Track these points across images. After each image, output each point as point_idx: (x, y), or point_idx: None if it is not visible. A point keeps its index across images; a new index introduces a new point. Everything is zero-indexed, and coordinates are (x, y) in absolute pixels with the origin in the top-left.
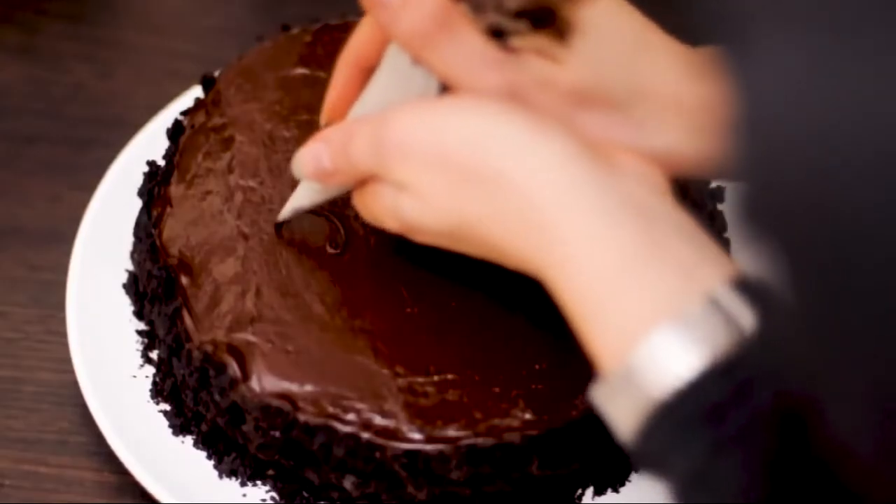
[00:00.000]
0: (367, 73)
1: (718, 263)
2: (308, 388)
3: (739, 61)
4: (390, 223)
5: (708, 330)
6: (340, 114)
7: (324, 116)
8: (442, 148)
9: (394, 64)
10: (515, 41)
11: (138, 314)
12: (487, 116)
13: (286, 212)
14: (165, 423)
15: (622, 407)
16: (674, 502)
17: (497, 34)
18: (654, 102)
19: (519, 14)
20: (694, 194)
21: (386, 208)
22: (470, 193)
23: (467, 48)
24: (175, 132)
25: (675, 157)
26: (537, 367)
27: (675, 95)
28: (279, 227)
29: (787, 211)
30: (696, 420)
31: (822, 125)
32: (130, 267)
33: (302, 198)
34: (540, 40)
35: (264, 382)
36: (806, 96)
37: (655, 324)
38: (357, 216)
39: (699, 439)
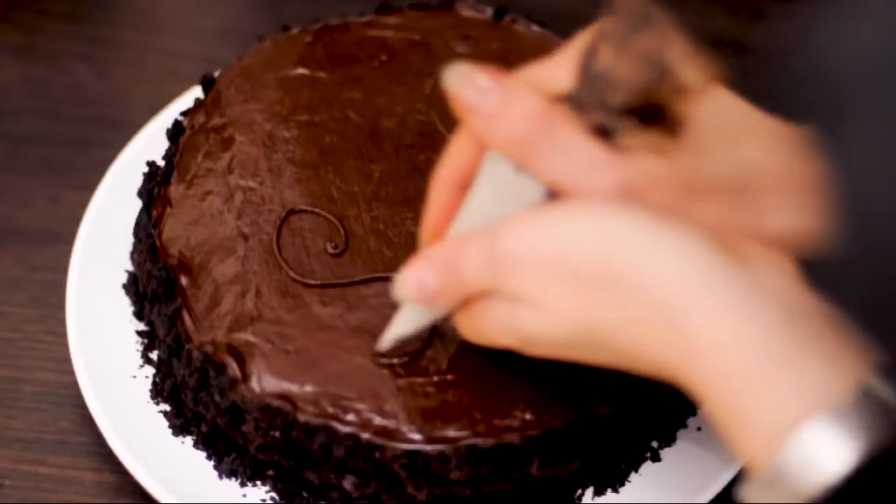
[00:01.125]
0: (465, 188)
1: (862, 350)
2: (308, 388)
3: (836, 142)
4: (504, 339)
5: (862, 421)
6: (441, 233)
7: (423, 238)
8: (563, 256)
9: (494, 172)
10: (624, 139)
11: (138, 314)
12: (607, 219)
13: (388, 340)
14: (165, 423)
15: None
16: None
17: (603, 132)
18: (764, 185)
19: (625, 112)
20: None
21: (500, 324)
22: (598, 300)
23: (572, 150)
24: (175, 132)
25: (790, 239)
26: (537, 367)
27: (782, 176)
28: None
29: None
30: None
31: None
32: (130, 267)
33: (404, 324)
34: (650, 138)
35: (264, 383)
36: None
37: (805, 419)
38: (357, 216)
39: None
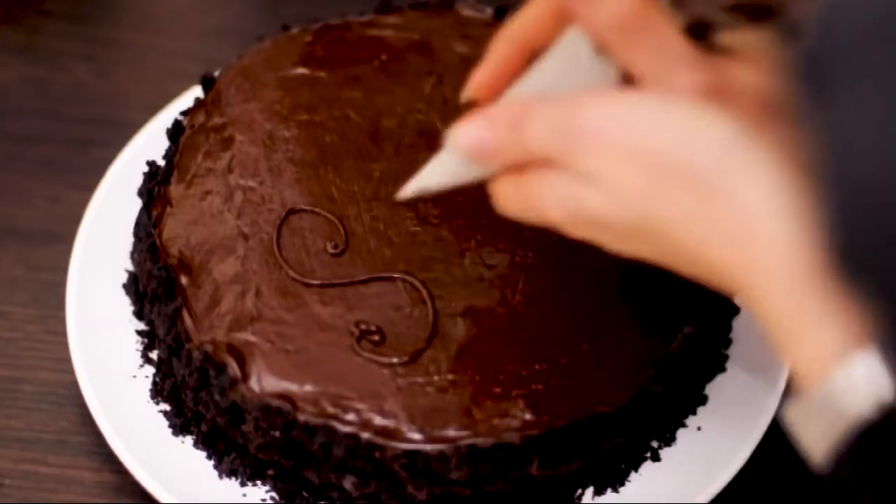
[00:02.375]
0: (530, 53)
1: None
2: (308, 387)
3: (827, 106)
4: (556, 213)
5: None
6: (493, 91)
7: (470, 89)
8: (647, 142)
9: (571, 50)
10: (725, 36)
11: (138, 314)
12: (698, 116)
13: (409, 190)
14: (165, 422)
15: (818, 427)
16: None
17: (698, 35)
18: None
19: (731, 7)
20: None
21: (558, 198)
22: (672, 194)
23: (664, 45)
24: (175, 132)
25: None
26: (537, 367)
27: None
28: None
29: (882, 257)
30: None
31: None
32: (130, 267)
33: (432, 177)
34: (750, 37)
35: (264, 382)
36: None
37: (861, 343)
38: (357, 216)
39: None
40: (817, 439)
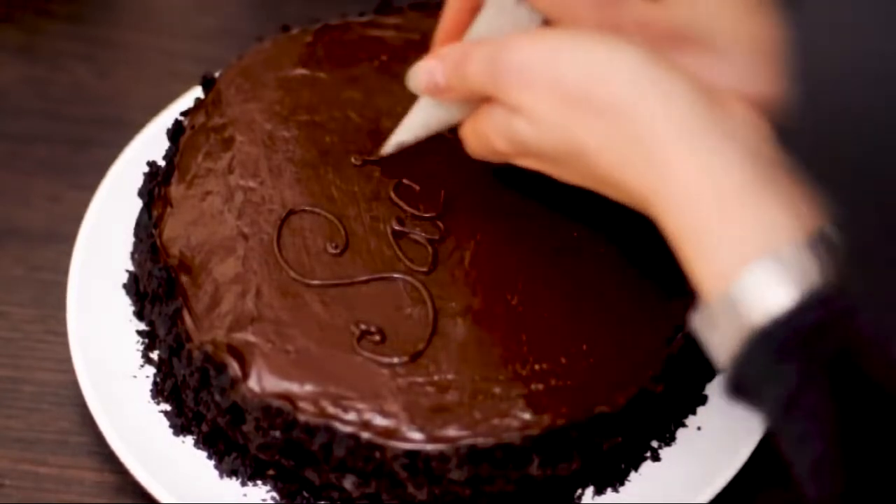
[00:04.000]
0: (475, 9)
1: (814, 204)
2: (308, 387)
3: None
4: (500, 144)
5: (806, 264)
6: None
7: (435, 47)
8: (562, 76)
9: (499, 1)
10: None
11: (139, 314)
12: (609, 49)
13: (390, 146)
14: (166, 423)
15: (722, 332)
16: (766, 428)
17: None
18: (719, 43)
19: None
20: None
21: (498, 130)
22: (586, 123)
23: None
24: (175, 132)
25: (760, 99)
26: (537, 367)
27: (737, 35)
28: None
29: (840, 148)
30: (791, 347)
31: (876, 67)
32: (131, 267)
33: (409, 129)
34: None
35: (264, 382)
36: (860, 39)
37: (760, 255)
38: (357, 216)
39: (792, 365)
40: (720, 346)
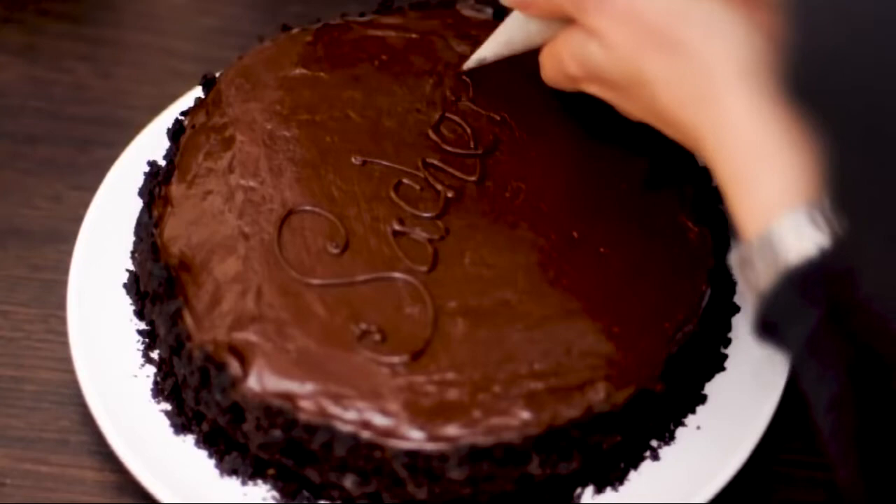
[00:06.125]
0: None
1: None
2: (308, 387)
3: None
4: (572, 67)
5: (834, 217)
6: None
7: None
8: (641, 7)
9: None
10: None
11: (139, 314)
12: None
13: (472, 61)
14: (166, 422)
15: (757, 270)
16: (791, 366)
17: None
18: None
19: None
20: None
21: (573, 52)
22: (656, 56)
23: None
24: (176, 132)
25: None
26: (537, 366)
27: None
28: (463, 73)
29: (835, 81)
30: (817, 289)
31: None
32: (131, 267)
33: (486, 49)
34: None
35: (265, 381)
36: None
37: (799, 200)
38: (357, 216)
39: (819, 307)
40: (754, 284)
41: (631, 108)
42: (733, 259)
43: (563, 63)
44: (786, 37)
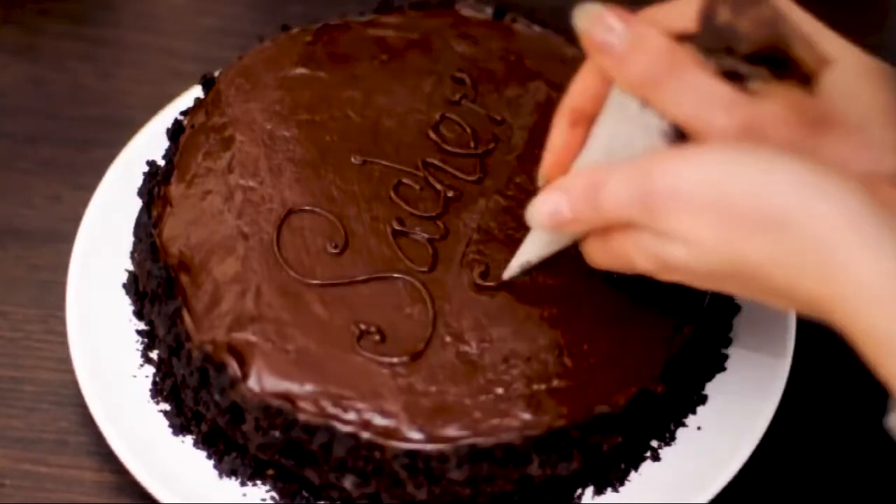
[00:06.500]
0: (587, 122)
1: None
2: (308, 387)
3: None
4: (644, 265)
5: None
6: (563, 167)
7: (544, 172)
8: (719, 194)
9: (620, 109)
10: (755, 86)
11: (138, 314)
12: (766, 161)
13: (513, 268)
14: (165, 422)
15: None
16: None
17: (733, 77)
18: (877, 122)
19: (752, 57)
20: None
21: (645, 253)
22: (753, 239)
23: (697, 88)
24: (175, 132)
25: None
26: (537, 367)
27: (884, 109)
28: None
29: None
30: None
31: None
32: (130, 267)
33: (529, 251)
34: (781, 87)
35: (264, 382)
36: None
37: None
38: (357, 216)
39: None
40: None
41: (740, 291)
42: (891, 421)
43: (631, 261)
44: None
